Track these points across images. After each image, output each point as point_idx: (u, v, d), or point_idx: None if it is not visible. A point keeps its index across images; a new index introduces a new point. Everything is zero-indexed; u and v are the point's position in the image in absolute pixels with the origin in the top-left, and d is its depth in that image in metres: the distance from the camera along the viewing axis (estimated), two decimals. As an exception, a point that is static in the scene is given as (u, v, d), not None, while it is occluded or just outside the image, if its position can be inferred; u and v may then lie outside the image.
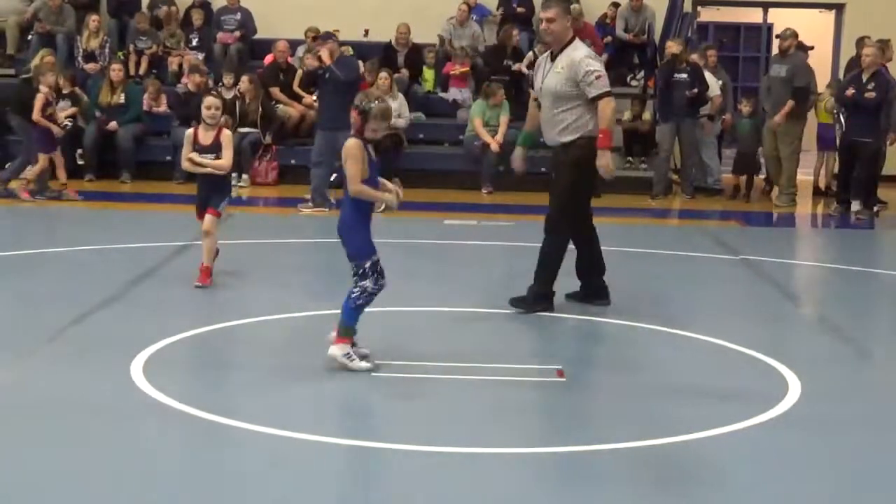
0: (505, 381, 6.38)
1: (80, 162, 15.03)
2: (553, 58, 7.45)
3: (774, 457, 5.19)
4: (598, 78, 7.32)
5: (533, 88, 7.81)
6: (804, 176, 15.81)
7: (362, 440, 5.26)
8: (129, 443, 5.17)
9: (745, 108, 14.66)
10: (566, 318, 7.29)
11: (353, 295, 6.22)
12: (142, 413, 5.55)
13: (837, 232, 13.25)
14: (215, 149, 8.44)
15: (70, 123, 14.04)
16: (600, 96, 7.30)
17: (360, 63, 15.26)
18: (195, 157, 8.45)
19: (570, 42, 7.44)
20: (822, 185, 16.06)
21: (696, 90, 14.46)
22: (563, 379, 6.34)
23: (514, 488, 4.80)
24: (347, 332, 6.25)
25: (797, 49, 14.64)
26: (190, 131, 8.43)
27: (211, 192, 8.60)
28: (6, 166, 13.68)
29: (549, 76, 7.37)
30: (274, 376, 6.22)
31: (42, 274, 9.14)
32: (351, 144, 6.18)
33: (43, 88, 13.03)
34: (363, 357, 6.25)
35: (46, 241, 10.69)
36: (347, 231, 6.29)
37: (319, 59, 12.54)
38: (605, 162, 7.29)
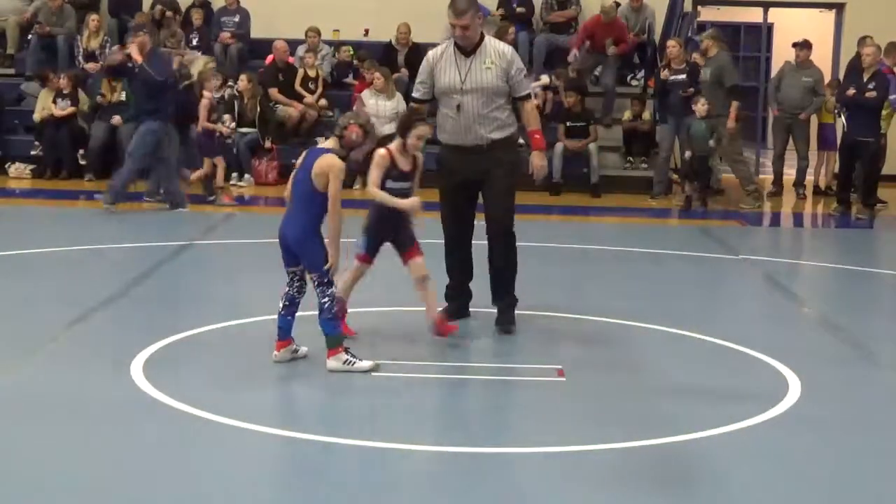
0: (505, 381, 6.39)
1: (82, 162, 15.03)
2: (467, 54, 7.00)
3: (774, 457, 5.19)
4: (525, 76, 7.16)
5: (420, 92, 7.20)
6: (808, 176, 15.84)
7: (362, 440, 5.25)
8: (129, 442, 5.16)
9: (700, 108, 13.75)
10: (566, 318, 7.29)
11: (326, 306, 6.21)
12: (142, 412, 5.55)
13: (837, 232, 13.25)
14: (411, 178, 7.01)
15: (233, 128, 14.22)
16: (526, 96, 7.11)
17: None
18: (375, 191, 6.84)
19: (482, 38, 7.08)
20: (822, 184, 16.08)
21: (692, 90, 14.44)
22: (563, 379, 6.34)
23: (515, 488, 4.80)
24: (336, 341, 6.26)
25: (720, 49, 14.46)
26: (384, 152, 6.85)
27: (404, 225, 7.00)
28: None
29: (479, 72, 6.94)
30: (274, 376, 6.22)
31: (42, 274, 9.14)
32: (338, 164, 6.16)
33: (206, 94, 13.17)
34: (351, 362, 6.23)
35: (46, 241, 10.69)
36: (302, 244, 6.24)
37: (129, 55, 12.33)
38: (542, 163, 7.17)
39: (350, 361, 6.23)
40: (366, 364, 6.25)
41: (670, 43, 14.92)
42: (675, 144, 14.87)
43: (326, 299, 6.21)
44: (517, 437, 5.56)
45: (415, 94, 7.22)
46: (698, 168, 13.81)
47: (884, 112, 13.88)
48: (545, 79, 15.37)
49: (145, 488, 4.63)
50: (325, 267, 6.18)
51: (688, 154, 13.79)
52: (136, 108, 12.69)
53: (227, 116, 13.84)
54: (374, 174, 6.64)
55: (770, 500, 4.75)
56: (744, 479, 4.92)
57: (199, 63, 13.87)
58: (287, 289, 6.35)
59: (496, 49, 7.01)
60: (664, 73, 14.72)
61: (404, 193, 6.76)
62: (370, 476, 4.89)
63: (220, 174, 13.35)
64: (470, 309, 7.36)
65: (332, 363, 6.24)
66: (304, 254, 6.26)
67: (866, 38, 14.37)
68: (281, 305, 6.37)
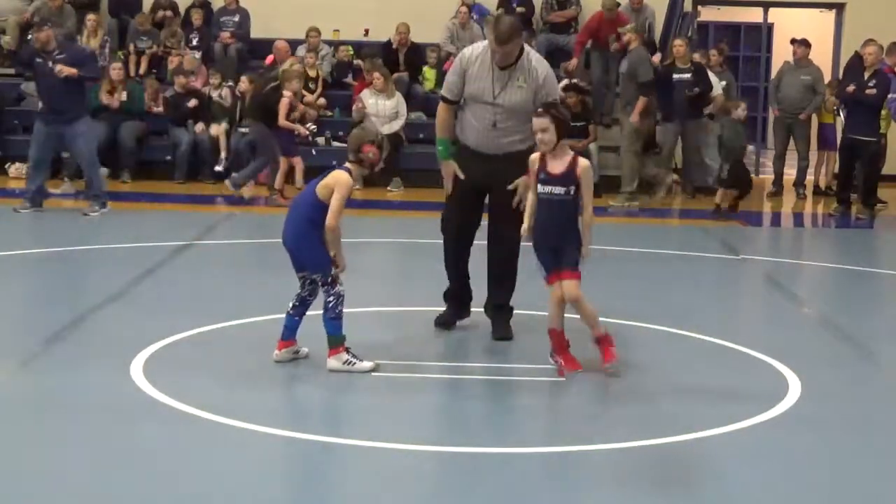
0: (505, 380, 6.39)
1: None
2: (503, 67, 6.76)
3: (774, 457, 5.19)
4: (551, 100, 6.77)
5: (453, 94, 6.92)
6: (809, 176, 15.84)
7: (363, 440, 5.25)
8: (129, 442, 5.16)
9: (739, 112, 13.71)
10: (566, 318, 7.28)
11: (331, 305, 6.21)
12: (142, 413, 5.55)
13: (837, 232, 13.25)
14: (566, 181, 6.29)
15: (314, 129, 14.35)
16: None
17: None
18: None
19: (521, 51, 6.78)
20: (822, 185, 16.09)
21: (697, 90, 14.41)
22: (563, 378, 6.34)
23: (515, 488, 4.80)
24: (338, 341, 6.26)
25: (640, 44, 14.32)
26: (535, 156, 6.40)
27: (561, 242, 6.38)
28: (236, 171, 13.85)
29: (512, 90, 6.74)
30: (274, 376, 6.22)
31: (42, 274, 9.15)
32: (346, 180, 6.17)
33: (287, 93, 13.22)
34: (351, 363, 6.24)
35: (46, 241, 10.69)
36: (304, 247, 6.25)
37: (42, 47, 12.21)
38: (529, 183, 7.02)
39: (350, 362, 6.23)
40: (366, 364, 6.25)
41: (677, 42, 14.88)
42: (677, 145, 14.89)
43: (331, 298, 6.21)
44: (517, 437, 5.56)
45: (445, 94, 6.97)
46: (738, 173, 13.55)
47: (883, 112, 13.90)
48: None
49: (145, 488, 4.63)
50: (334, 272, 6.19)
51: (720, 165, 13.67)
52: (59, 107, 12.09)
53: (311, 119, 14.03)
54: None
55: (770, 500, 4.75)
56: (744, 479, 4.93)
57: (288, 62, 13.87)
58: (299, 290, 6.35)
59: (531, 69, 6.76)
60: (655, 58, 14.67)
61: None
62: (370, 476, 4.89)
63: (298, 174, 13.42)
64: (471, 309, 7.34)
65: (333, 363, 6.24)
66: (304, 255, 6.27)
67: (871, 40, 14.37)
68: (291, 305, 6.37)
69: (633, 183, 14.18)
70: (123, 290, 8.27)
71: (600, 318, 6.47)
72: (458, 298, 7.20)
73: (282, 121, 13.29)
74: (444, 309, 7.15)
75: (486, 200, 7.11)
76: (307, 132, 14.06)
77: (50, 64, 12.06)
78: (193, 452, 5.11)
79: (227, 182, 13.68)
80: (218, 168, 14.96)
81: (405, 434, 5.36)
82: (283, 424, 5.47)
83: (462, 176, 6.94)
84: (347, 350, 6.27)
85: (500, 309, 7.13)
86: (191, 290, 8.62)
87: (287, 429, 5.40)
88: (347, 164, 6.32)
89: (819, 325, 8.17)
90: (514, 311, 7.18)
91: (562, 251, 6.32)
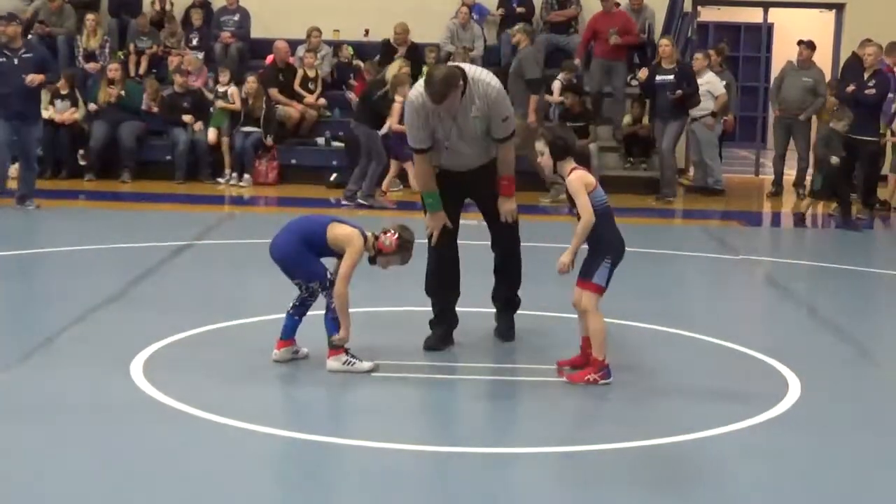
0: (505, 380, 6.39)
1: (82, 162, 15.03)
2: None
3: (774, 457, 5.19)
4: (505, 120, 6.64)
5: (424, 142, 6.65)
6: (808, 176, 15.82)
7: (362, 440, 5.26)
8: (129, 442, 5.16)
9: (840, 124, 12.89)
10: (566, 318, 7.28)
11: (332, 306, 6.22)
12: (141, 412, 5.55)
13: (837, 232, 13.24)
14: (570, 198, 6.43)
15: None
16: (504, 139, 6.70)
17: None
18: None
19: (464, 86, 6.45)
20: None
21: (680, 91, 14.20)
22: (563, 378, 6.34)
23: (514, 488, 4.80)
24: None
25: (528, 44, 14.16)
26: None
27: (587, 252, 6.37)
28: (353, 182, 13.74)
29: (467, 124, 6.53)
30: (274, 376, 6.22)
31: (42, 274, 9.15)
32: (359, 248, 6.18)
33: (398, 98, 13.17)
34: (351, 363, 6.23)
35: (46, 241, 10.69)
36: (292, 261, 6.27)
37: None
38: (511, 206, 6.81)
39: (350, 362, 6.23)
40: (366, 365, 6.25)
41: (663, 42, 14.75)
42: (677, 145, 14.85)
43: (332, 300, 6.21)
44: (517, 436, 5.56)
45: (418, 145, 6.68)
46: (833, 184, 13.06)
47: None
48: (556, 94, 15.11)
49: (145, 488, 4.63)
50: (337, 337, 6.18)
51: (812, 175, 13.41)
52: (20, 107, 12.10)
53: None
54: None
55: (770, 500, 4.76)
56: (744, 479, 4.93)
57: (393, 67, 13.85)
58: (299, 291, 6.35)
59: (481, 93, 6.49)
60: (642, 73, 14.61)
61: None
62: (370, 476, 4.89)
63: (412, 178, 13.35)
64: (468, 309, 7.33)
65: (332, 363, 6.24)
66: (293, 269, 6.30)
67: (868, 40, 14.37)
68: (290, 305, 6.37)
69: (549, 179, 13.97)
70: (123, 290, 8.27)
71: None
72: (443, 323, 6.99)
73: (395, 125, 13.30)
74: (430, 333, 7.03)
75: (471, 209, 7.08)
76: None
77: (15, 61, 12.04)
78: (193, 452, 5.10)
79: (347, 199, 13.35)
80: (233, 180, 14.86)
81: (404, 434, 5.37)
82: (282, 424, 5.46)
83: (451, 226, 6.86)
84: (347, 351, 6.26)
85: (506, 302, 7.10)
86: (190, 290, 8.61)
87: (286, 429, 5.40)
88: (368, 232, 6.30)
89: (819, 325, 8.17)
90: (517, 312, 7.15)
91: (586, 262, 6.32)
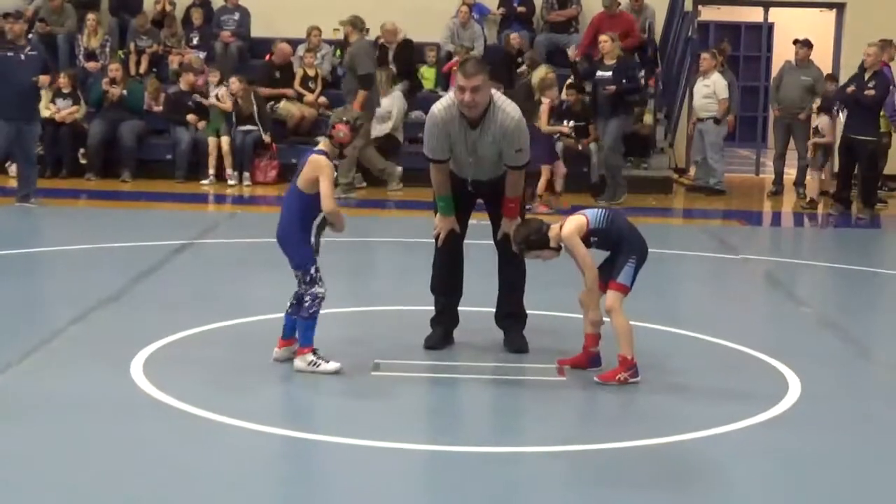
0: (505, 380, 6.39)
1: (83, 161, 15.03)
2: (473, 126, 6.57)
3: (774, 457, 5.20)
4: (518, 152, 6.64)
5: (443, 154, 6.73)
6: (808, 176, 15.83)
7: (362, 439, 5.25)
8: (129, 442, 5.16)
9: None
10: (567, 318, 7.28)
11: (306, 304, 6.21)
12: (142, 411, 5.55)
13: (837, 232, 13.25)
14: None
15: (573, 124, 14.44)
16: (520, 167, 6.72)
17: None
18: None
19: (489, 103, 6.53)
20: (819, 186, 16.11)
21: (614, 87, 13.87)
22: (564, 378, 6.34)
23: (515, 488, 4.80)
24: (308, 341, 6.27)
25: (358, 37, 13.98)
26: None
27: (614, 256, 6.44)
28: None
29: (484, 146, 6.60)
30: (274, 376, 6.22)
31: (42, 272, 9.15)
32: (325, 163, 6.17)
33: (545, 101, 13.23)
34: (316, 363, 6.22)
35: (47, 240, 10.70)
36: (290, 243, 6.28)
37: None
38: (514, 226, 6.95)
39: (315, 363, 6.22)
40: (331, 366, 6.23)
41: (602, 38, 14.48)
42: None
43: (308, 298, 6.20)
44: (517, 436, 5.56)
45: (435, 156, 6.75)
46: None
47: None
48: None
49: (145, 488, 4.63)
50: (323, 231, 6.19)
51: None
52: (24, 104, 12.16)
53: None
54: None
55: (770, 500, 4.76)
56: (743, 479, 4.93)
57: (540, 71, 13.82)
58: (297, 288, 6.35)
59: (501, 123, 6.55)
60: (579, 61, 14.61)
61: None
62: (369, 476, 4.89)
63: (558, 182, 13.40)
64: (469, 309, 7.33)
65: (298, 363, 6.24)
66: (288, 250, 6.29)
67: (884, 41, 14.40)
68: (289, 304, 6.37)
69: (349, 174, 13.89)
70: (123, 290, 8.27)
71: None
72: (444, 323, 7.01)
73: (544, 126, 13.34)
74: (431, 332, 7.04)
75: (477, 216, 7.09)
76: (569, 130, 14.20)
77: (22, 58, 12.05)
78: (193, 451, 5.11)
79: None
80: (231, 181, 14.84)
81: (404, 434, 5.37)
82: (282, 423, 5.47)
83: (458, 230, 6.90)
84: (314, 352, 6.26)
85: (512, 318, 7.08)
86: (191, 289, 8.61)
87: (286, 428, 5.40)
88: (321, 146, 6.32)
89: (819, 324, 8.17)
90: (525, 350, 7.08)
91: (609, 262, 6.39)
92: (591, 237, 6.34)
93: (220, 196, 14.16)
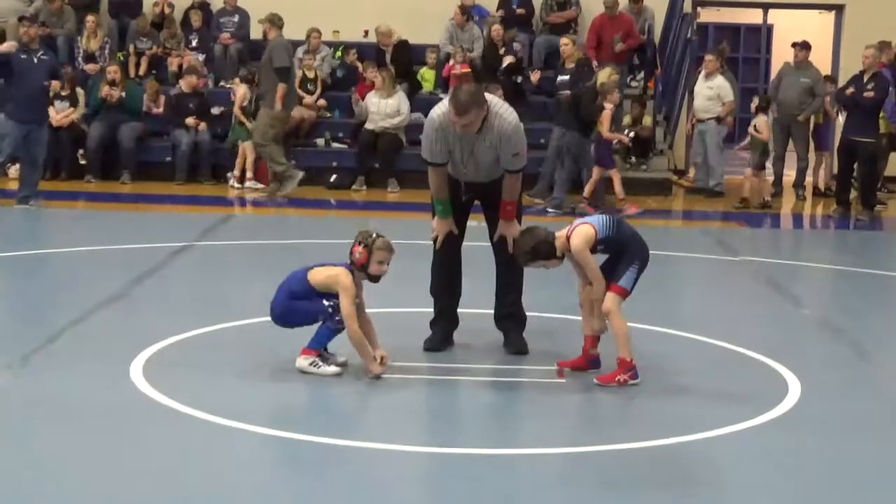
0: (505, 382, 6.39)
1: (82, 162, 15.03)
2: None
3: (774, 457, 5.20)
4: (515, 156, 6.66)
5: (442, 157, 6.71)
6: (808, 177, 15.84)
7: (361, 441, 5.26)
8: (129, 443, 5.16)
9: None
10: (566, 319, 7.29)
11: (338, 318, 6.20)
12: (141, 413, 5.55)
13: (837, 232, 13.25)
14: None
15: (631, 137, 14.55)
16: (517, 171, 6.73)
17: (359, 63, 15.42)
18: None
19: (487, 111, 6.53)
20: (821, 185, 16.11)
21: (568, 91, 13.85)
22: (563, 379, 6.34)
23: (514, 488, 4.80)
24: (318, 346, 6.28)
25: (276, 33, 13.90)
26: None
27: (617, 259, 6.44)
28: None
29: (481, 151, 6.62)
30: (274, 377, 6.22)
31: (42, 274, 9.15)
32: (347, 285, 6.16)
33: (608, 105, 13.20)
34: (317, 364, 6.23)
35: (46, 241, 10.70)
36: (287, 317, 6.33)
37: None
38: (513, 231, 6.80)
39: (316, 364, 6.23)
40: (331, 369, 6.24)
41: (563, 41, 14.51)
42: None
43: (340, 319, 6.20)
44: (517, 437, 5.56)
45: (433, 160, 6.74)
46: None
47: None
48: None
49: (144, 489, 4.63)
50: (370, 376, 6.19)
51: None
52: (37, 108, 12.39)
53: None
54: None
55: (770, 501, 4.76)
56: (743, 480, 4.93)
57: (604, 73, 13.82)
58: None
59: (499, 129, 6.56)
60: (535, 75, 14.60)
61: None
62: (369, 477, 4.89)
63: (617, 185, 13.41)
64: (469, 311, 7.33)
65: (301, 362, 6.25)
66: (294, 323, 6.34)
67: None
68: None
69: (280, 160, 13.84)
70: (123, 291, 8.27)
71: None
72: (444, 324, 7.02)
73: (606, 132, 13.34)
74: (430, 334, 7.05)
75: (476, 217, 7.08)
76: (627, 140, 14.28)
77: (35, 61, 12.09)
78: (192, 453, 5.10)
79: (555, 207, 13.26)
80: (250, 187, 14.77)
81: (404, 436, 5.37)
82: (282, 426, 5.46)
83: (456, 232, 6.91)
84: (320, 354, 6.27)
85: (512, 319, 7.06)
86: (190, 291, 8.61)
87: (286, 430, 5.39)
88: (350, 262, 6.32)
89: (818, 325, 8.17)
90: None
91: (611, 264, 6.39)
92: (598, 245, 6.34)
93: (219, 198, 14.12)
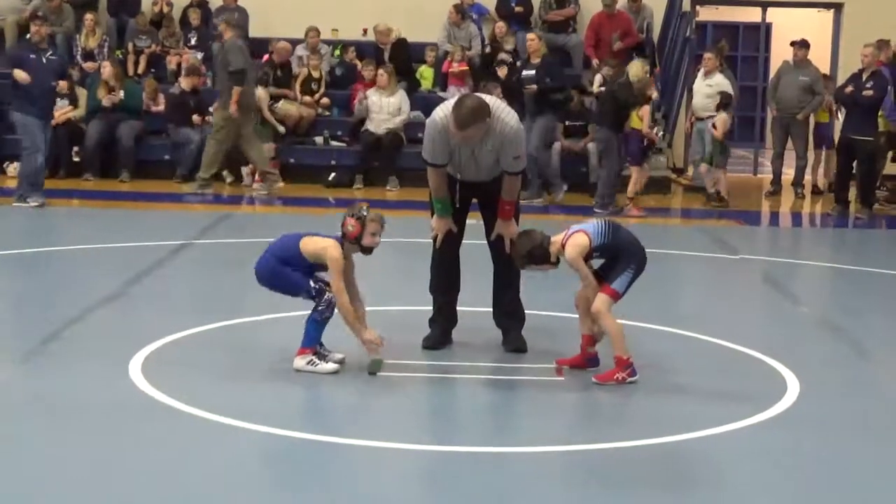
0: (504, 380, 6.39)
1: (76, 159, 15.01)
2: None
3: (773, 456, 5.20)
4: (516, 159, 6.69)
5: (443, 159, 6.72)
6: (807, 175, 15.83)
7: (362, 439, 5.26)
8: (128, 442, 5.16)
9: None
10: (566, 318, 7.29)
11: (320, 308, 6.21)
12: (139, 411, 5.55)
13: (836, 231, 13.25)
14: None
15: (660, 136, 14.58)
16: (517, 173, 6.77)
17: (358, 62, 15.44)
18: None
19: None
20: (820, 184, 16.11)
21: (535, 86, 13.82)
22: (562, 378, 6.34)
23: (514, 488, 4.80)
24: (311, 343, 6.28)
25: (232, 34, 13.83)
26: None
27: (612, 263, 6.47)
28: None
29: (482, 154, 6.64)
30: (273, 375, 6.22)
31: (42, 273, 9.14)
32: (336, 258, 6.17)
33: (651, 96, 13.28)
34: (314, 363, 6.23)
35: (45, 241, 10.69)
36: (272, 282, 6.34)
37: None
38: (511, 231, 6.85)
39: (313, 362, 6.23)
40: (329, 367, 6.23)
41: (529, 36, 14.51)
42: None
43: (322, 306, 6.20)
44: (516, 436, 5.57)
45: (434, 161, 6.75)
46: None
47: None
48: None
49: (144, 488, 4.63)
50: (373, 360, 6.22)
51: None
52: (48, 104, 12.68)
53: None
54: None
55: (769, 500, 4.76)
56: (741, 479, 4.93)
57: (635, 67, 13.76)
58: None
59: (500, 132, 6.57)
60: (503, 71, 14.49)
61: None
62: (369, 476, 4.89)
63: (632, 185, 13.44)
64: (467, 309, 7.33)
65: (298, 361, 6.25)
66: (276, 287, 6.34)
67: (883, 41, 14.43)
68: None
69: (209, 170, 13.89)
70: (122, 290, 8.27)
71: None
72: (443, 322, 7.03)
73: (646, 129, 13.38)
74: (429, 332, 7.06)
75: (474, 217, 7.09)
76: (657, 138, 14.26)
77: (44, 60, 12.14)
78: (191, 451, 5.11)
79: (601, 207, 13.21)
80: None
81: (403, 434, 5.37)
82: (281, 424, 5.46)
83: (455, 230, 6.93)
84: (315, 352, 6.27)
85: (511, 318, 7.06)
86: (189, 289, 8.62)
87: (285, 428, 5.39)
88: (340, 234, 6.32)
89: (817, 324, 8.17)
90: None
91: (607, 267, 6.43)
92: (593, 253, 6.35)
93: (218, 196, 14.11)
